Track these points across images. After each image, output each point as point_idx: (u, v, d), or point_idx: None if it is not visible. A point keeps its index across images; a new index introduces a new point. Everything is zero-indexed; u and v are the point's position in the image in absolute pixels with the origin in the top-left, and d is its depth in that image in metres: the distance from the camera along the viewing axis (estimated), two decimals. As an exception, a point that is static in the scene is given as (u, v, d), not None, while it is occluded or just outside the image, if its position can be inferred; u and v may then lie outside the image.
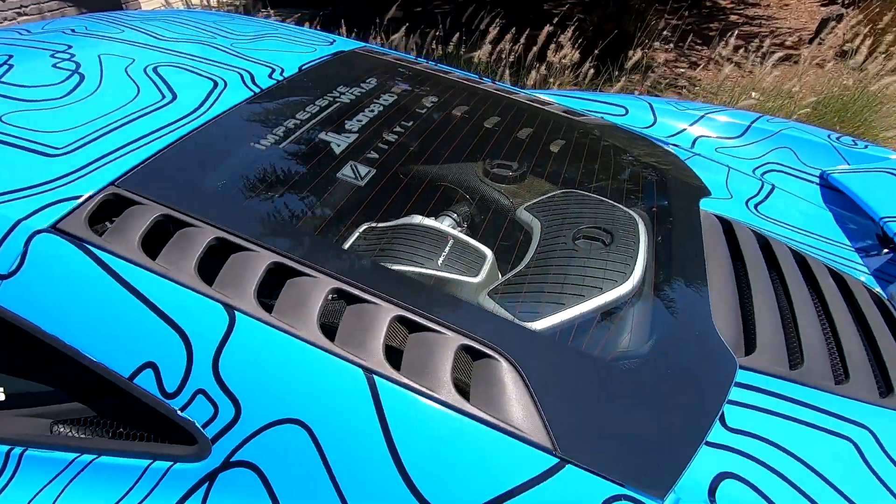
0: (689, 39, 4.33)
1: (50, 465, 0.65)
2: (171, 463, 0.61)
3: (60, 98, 0.92)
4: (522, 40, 2.84)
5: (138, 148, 0.83)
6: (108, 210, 0.74)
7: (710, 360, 0.72)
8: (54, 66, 1.03)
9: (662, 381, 0.68)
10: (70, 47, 1.12)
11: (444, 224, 1.03)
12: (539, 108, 1.33)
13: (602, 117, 1.43)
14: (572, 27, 2.91)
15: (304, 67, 1.18)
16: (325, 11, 4.97)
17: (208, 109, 0.95)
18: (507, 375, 0.62)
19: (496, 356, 0.63)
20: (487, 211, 1.10)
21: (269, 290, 0.67)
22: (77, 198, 0.73)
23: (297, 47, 1.29)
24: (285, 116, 0.98)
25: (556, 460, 0.56)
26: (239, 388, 0.60)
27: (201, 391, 0.60)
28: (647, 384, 0.67)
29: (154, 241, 0.70)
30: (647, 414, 0.63)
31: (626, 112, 1.51)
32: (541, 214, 1.04)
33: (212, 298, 0.64)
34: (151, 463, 0.62)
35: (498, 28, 2.93)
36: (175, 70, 1.06)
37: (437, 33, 3.11)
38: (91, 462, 0.63)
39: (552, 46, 2.77)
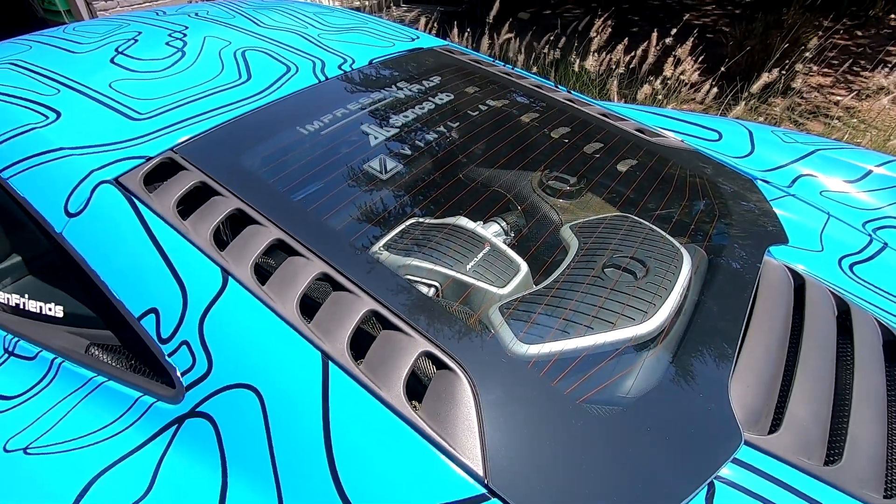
0: (850, 62, 3.72)
1: (76, 378, 0.76)
2: (155, 400, 0.68)
3: (160, 71, 1.07)
4: (647, 52, 2.66)
5: (203, 120, 0.93)
6: (164, 171, 0.84)
7: (707, 428, 0.63)
8: (167, 43, 1.19)
9: (638, 439, 0.60)
10: (186, 28, 1.28)
11: (490, 230, 1.02)
12: (612, 124, 1.24)
13: (686, 140, 1.30)
14: (693, 39, 2.65)
15: (374, 61, 1.23)
16: (454, 9, 5.10)
17: (272, 92, 1.03)
18: (461, 392, 0.60)
19: (457, 370, 0.62)
20: (535, 223, 1.06)
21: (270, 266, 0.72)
22: (142, 157, 0.85)
23: (377, 41, 1.35)
24: (335, 105, 1.04)
25: (482, 490, 0.53)
26: (215, 347, 0.65)
27: (186, 343, 0.67)
28: (619, 437, 0.60)
29: (194, 203, 0.78)
30: (605, 469, 0.57)
31: (720, 137, 1.36)
32: (581, 235, 0.98)
33: (215, 262, 0.70)
34: (141, 396, 0.70)
35: (612, 36, 2.78)
36: (258, 54, 1.16)
37: (551, 38, 3.04)
38: (101, 384, 0.74)
39: (669, 60, 2.56)
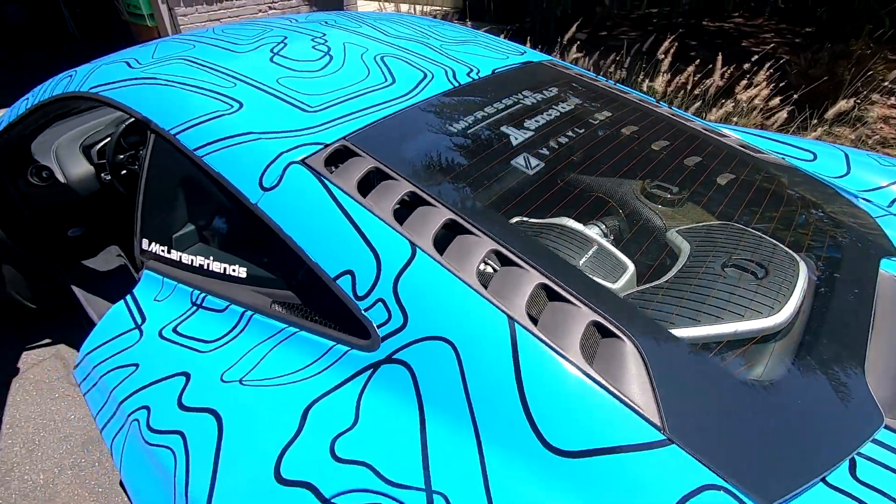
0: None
1: (266, 328, 0.88)
2: (349, 348, 0.79)
3: (316, 71, 1.21)
4: (719, 76, 2.72)
5: (363, 115, 1.06)
6: (339, 156, 0.96)
7: (851, 408, 0.70)
8: (313, 47, 1.34)
9: (790, 409, 0.68)
10: (324, 35, 1.43)
11: (592, 232, 1.11)
12: (713, 138, 1.32)
13: (784, 159, 1.36)
14: (772, 67, 2.70)
15: (496, 70, 1.34)
16: (514, 27, 5.26)
17: (417, 94, 1.15)
18: (630, 356, 0.69)
19: (623, 337, 0.70)
20: (637, 227, 1.14)
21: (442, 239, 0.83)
22: (319, 144, 0.97)
23: (492, 53, 1.47)
24: (474, 108, 1.15)
25: (662, 437, 0.62)
26: (409, 305, 0.75)
27: (381, 300, 0.77)
28: (772, 407, 0.68)
29: (366, 184, 0.90)
30: (766, 430, 0.65)
31: (815, 158, 1.42)
32: (692, 238, 1.06)
33: (400, 234, 0.81)
34: (335, 345, 0.81)
35: (679, 60, 2.84)
36: (396, 60, 1.29)
37: (618, 57, 3.13)
38: (294, 333, 0.85)
39: (742, 83, 2.61)
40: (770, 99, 2.76)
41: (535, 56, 1.55)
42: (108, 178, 1.96)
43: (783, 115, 2.65)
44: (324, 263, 0.83)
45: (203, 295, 0.98)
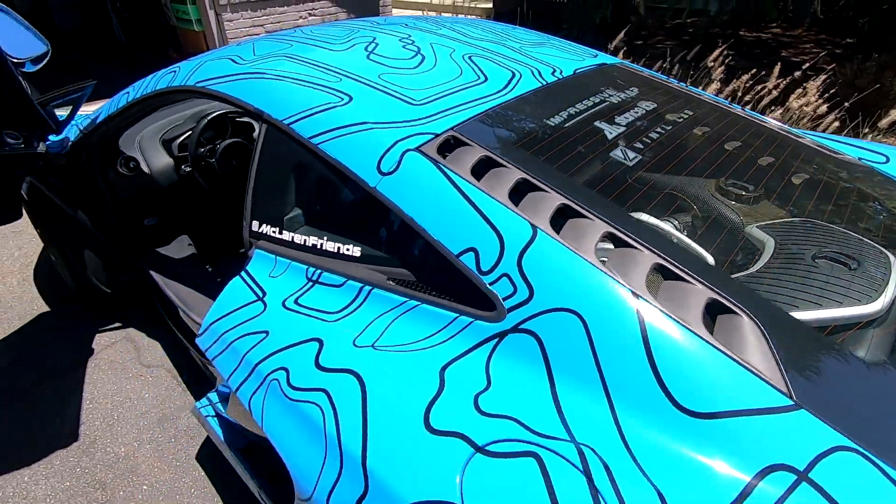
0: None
1: (386, 301, 0.95)
2: (472, 320, 0.85)
3: (413, 68, 1.28)
4: (771, 85, 2.74)
5: (465, 109, 1.13)
6: (448, 145, 1.03)
7: None
8: (403, 46, 1.42)
9: None
10: (410, 36, 1.51)
11: (666, 227, 1.16)
12: (791, 139, 1.36)
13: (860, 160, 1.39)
14: (825, 76, 2.72)
15: (577, 71, 1.41)
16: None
17: (511, 91, 1.22)
18: (749, 329, 0.73)
19: (741, 313, 0.75)
20: (712, 223, 1.18)
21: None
22: (430, 134, 1.04)
23: (569, 55, 1.54)
24: (566, 105, 1.22)
25: (790, 402, 0.66)
26: (535, 279, 0.81)
27: (506, 275, 0.84)
28: (890, 381, 0.72)
29: (476, 171, 0.97)
30: (888, 400, 0.69)
31: (887, 160, 1.44)
32: (776, 233, 1.10)
33: (520, 216, 0.87)
34: (458, 316, 0.87)
35: (726, 68, 2.88)
36: (483, 60, 1.37)
37: (664, 65, 3.17)
38: (415, 306, 0.92)
39: (796, 92, 2.63)
40: (818, 107, 2.77)
41: (608, 59, 1.61)
42: (189, 169, 2.07)
43: (835, 123, 2.65)
44: (446, 241, 0.90)
45: (318, 272, 1.05)
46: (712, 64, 2.83)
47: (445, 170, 0.96)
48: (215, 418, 1.48)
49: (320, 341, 0.91)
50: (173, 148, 2.08)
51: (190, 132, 2.11)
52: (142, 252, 2.05)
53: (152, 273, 1.94)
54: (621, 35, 3.07)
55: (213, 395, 1.54)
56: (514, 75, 1.30)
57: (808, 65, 2.70)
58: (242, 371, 0.95)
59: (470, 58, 1.37)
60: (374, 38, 1.48)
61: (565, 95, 1.27)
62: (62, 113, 1.89)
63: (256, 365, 0.93)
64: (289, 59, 1.33)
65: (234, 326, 1.02)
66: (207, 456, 1.76)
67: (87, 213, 2.03)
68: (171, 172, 2.09)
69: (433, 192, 0.94)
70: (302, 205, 1.15)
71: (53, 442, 1.81)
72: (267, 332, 0.97)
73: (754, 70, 2.77)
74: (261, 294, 1.06)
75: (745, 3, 4.90)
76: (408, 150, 1.00)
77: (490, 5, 8.50)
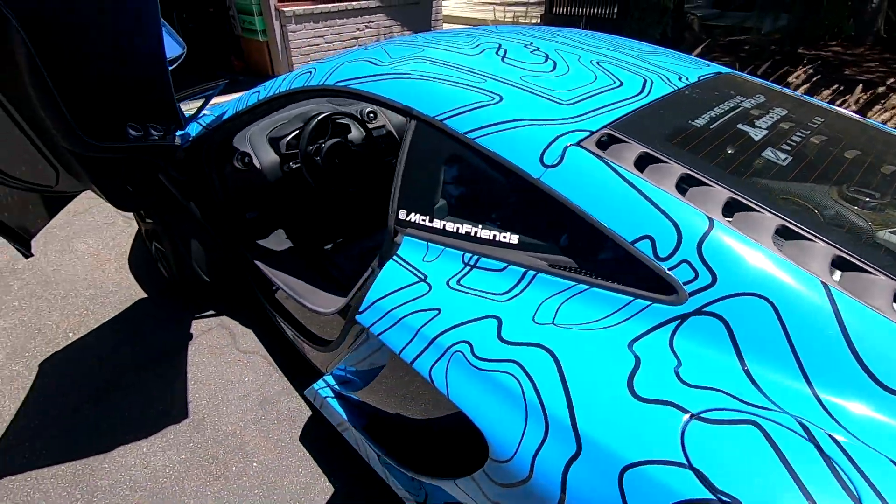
0: None
1: (552, 285, 1.01)
2: (649, 303, 0.90)
3: (549, 72, 1.36)
4: (852, 100, 2.74)
5: (611, 110, 1.19)
6: (604, 142, 1.09)
7: None
8: (531, 52, 1.49)
9: None
10: (532, 43, 1.59)
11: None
12: None
13: None
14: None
15: (701, 77, 1.46)
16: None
17: (648, 95, 1.28)
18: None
19: (876, 273, 0.78)
20: (838, 228, 1.21)
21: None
22: (586, 131, 1.11)
23: (684, 62, 1.59)
24: (704, 108, 1.27)
25: None
26: (717, 265, 0.86)
27: (685, 261, 0.88)
28: None
29: (636, 166, 1.02)
30: None
31: None
32: None
33: (694, 207, 0.92)
34: (633, 300, 0.92)
35: (811, 85, 2.87)
36: (611, 66, 1.43)
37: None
38: (584, 290, 0.97)
39: (875, 108, 2.62)
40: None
41: (718, 68, 1.65)
42: (295, 166, 2.19)
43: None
44: (619, 230, 0.95)
45: (475, 257, 1.12)
46: (794, 81, 2.84)
47: (610, 163, 1.02)
48: (334, 399, 1.56)
49: (497, 318, 0.97)
50: (280, 146, 2.21)
51: (297, 131, 2.24)
52: (244, 244, 2.17)
53: (258, 263, 2.05)
54: (700, 49, 3.10)
55: (329, 379, 1.62)
56: (645, 80, 1.36)
57: (892, 80, 2.68)
58: (418, 344, 1.02)
59: (597, 63, 1.44)
60: (500, 45, 1.56)
61: (701, 99, 1.32)
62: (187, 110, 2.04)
63: (435, 338, 1.00)
64: (428, 62, 1.42)
65: (402, 304, 1.09)
66: (311, 438, 1.84)
67: (198, 204, 2.17)
68: (276, 169, 2.22)
69: (601, 183, 1.00)
70: (453, 194, 1.22)
71: (165, 417, 1.92)
72: (439, 310, 1.03)
73: (836, 86, 2.76)
74: (422, 276, 1.13)
75: (811, 20, 4.86)
76: (570, 145, 1.07)
77: (538, 21, 8.62)
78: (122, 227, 3.18)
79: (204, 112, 2.16)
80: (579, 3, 7.88)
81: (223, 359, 2.20)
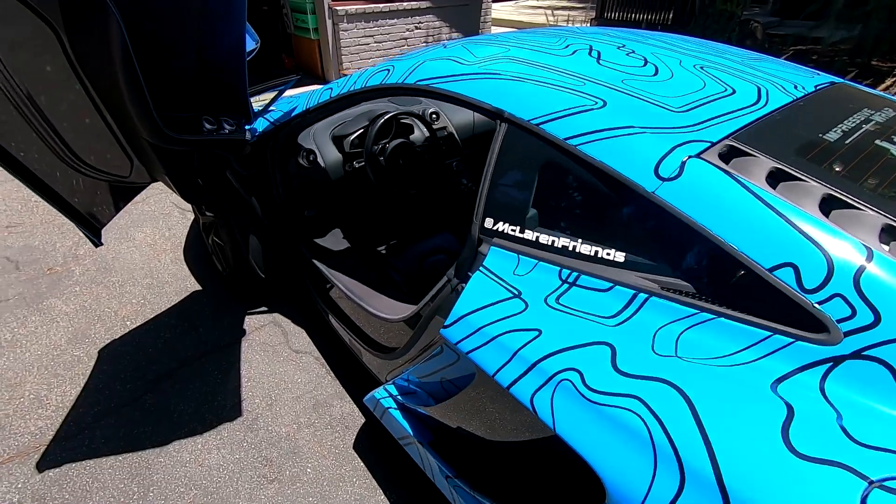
0: None
1: (667, 311, 0.91)
2: (792, 340, 0.79)
3: (650, 76, 1.25)
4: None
5: (728, 119, 1.08)
6: (727, 154, 0.99)
7: None
8: (627, 55, 1.40)
9: None
10: (624, 45, 1.49)
11: None
12: None
13: None
14: None
15: (817, 87, 1.32)
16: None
17: (766, 104, 1.16)
18: None
19: None
20: None
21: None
22: (706, 141, 1.00)
23: (792, 70, 1.46)
24: (833, 120, 1.14)
25: None
26: (881, 303, 0.75)
27: (839, 295, 0.77)
28: None
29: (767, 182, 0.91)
30: None
31: None
32: None
33: (845, 232, 0.81)
34: (771, 335, 0.81)
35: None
36: (717, 72, 1.32)
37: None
38: (708, 319, 0.87)
39: None
40: None
41: (832, 77, 1.51)
42: (358, 165, 2.15)
43: None
44: (752, 254, 0.85)
45: (574, 274, 1.03)
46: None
47: (738, 178, 0.91)
48: (398, 411, 1.50)
49: (609, 345, 0.88)
50: (344, 144, 2.17)
51: (361, 130, 2.20)
52: (303, 241, 2.13)
53: (317, 263, 2.01)
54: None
55: (391, 388, 1.56)
56: (759, 88, 1.24)
57: None
58: (516, 367, 0.94)
59: (701, 68, 1.33)
60: (591, 46, 1.46)
61: (826, 110, 1.20)
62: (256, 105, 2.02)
63: (537, 363, 0.91)
64: (517, 62, 1.34)
65: (495, 321, 1.01)
66: (366, 447, 1.79)
67: (259, 200, 2.15)
68: (339, 167, 2.18)
69: (729, 200, 0.90)
70: (549, 204, 1.14)
71: (219, 415, 1.90)
72: (539, 331, 0.95)
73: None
74: (515, 291, 1.05)
75: (889, 31, 4.55)
76: (690, 157, 0.97)
77: (587, 25, 8.44)
78: (177, 218, 3.23)
79: (271, 108, 2.14)
80: (632, 8, 7.66)
81: (276, 357, 2.18)
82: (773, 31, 7.05)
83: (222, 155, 1.82)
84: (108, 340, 2.25)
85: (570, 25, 8.54)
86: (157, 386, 2.02)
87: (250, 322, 2.38)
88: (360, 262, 2.13)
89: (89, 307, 2.44)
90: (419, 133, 2.38)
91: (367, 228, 2.46)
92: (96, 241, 1.73)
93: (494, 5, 8.61)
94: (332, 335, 2.27)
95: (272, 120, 2.01)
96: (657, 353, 0.84)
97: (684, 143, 1.00)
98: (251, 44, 1.99)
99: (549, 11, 9.82)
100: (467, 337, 1.04)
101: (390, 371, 1.66)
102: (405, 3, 6.39)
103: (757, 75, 1.33)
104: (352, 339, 1.89)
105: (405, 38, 6.64)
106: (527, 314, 1.00)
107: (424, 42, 6.83)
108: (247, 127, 1.93)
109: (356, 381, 2.05)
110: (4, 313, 2.38)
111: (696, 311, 0.89)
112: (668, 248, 0.96)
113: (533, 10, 10.51)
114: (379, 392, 1.56)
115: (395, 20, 6.41)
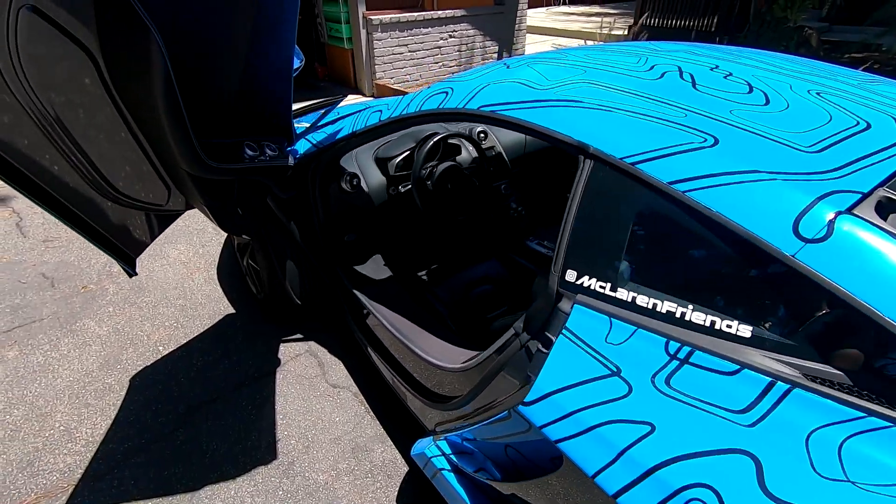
0: None
1: (818, 409, 0.72)
2: None
3: (762, 106, 1.07)
4: None
5: (875, 162, 0.89)
6: (882, 208, 0.80)
7: None
8: (724, 78, 1.21)
9: None
10: (717, 66, 1.30)
11: None
12: None
13: None
14: None
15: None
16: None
17: None
18: None
19: None
20: None
21: None
22: (854, 192, 0.82)
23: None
24: None
25: None
26: None
27: None
28: None
29: None
30: None
31: None
32: None
33: None
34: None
35: None
36: (837, 98, 1.12)
37: None
38: (882, 427, 0.69)
39: None
40: None
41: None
42: (404, 189, 2.01)
43: None
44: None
45: (686, 349, 0.85)
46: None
47: (904, 239, 0.73)
48: (453, 474, 1.34)
49: (752, 457, 0.71)
50: (389, 167, 2.04)
51: (407, 152, 2.06)
52: (343, 269, 2.00)
53: (358, 293, 1.87)
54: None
55: (443, 446, 1.41)
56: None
57: None
58: (624, 471, 0.77)
59: (818, 94, 1.14)
60: (679, 67, 1.29)
61: None
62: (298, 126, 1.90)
63: (652, 470, 0.75)
64: (599, 87, 1.18)
65: (591, 406, 0.85)
66: (410, 500, 1.63)
67: (297, 224, 2.04)
68: (382, 191, 2.05)
69: (884, 264, 0.71)
70: (648, 260, 0.97)
71: (253, 456, 1.78)
72: (652, 426, 0.78)
73: None
74: (613, 368, 0.88)
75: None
76: (839, 213, 0.79)
77: (624, 32, 8.19)
78: (211, 235, 3.16)
79: (313, 127, 2.03)
80: (674, 14, 7.37)
81: (312, 392, 2.05)
82: (825, 38, 6.70)
83: (263, 182, 1.70)
84: (141, 367, 2.16)
85: (611, 34, 8.30)
86: (189, 419, 1.91)
87: (285, 351, 2.27)
88: (403, 292, 1.99)
89: (122, 329, 2.37)
90: (466, 154, 2.23)
91: (409, 254, 2.32)
92: (130, 272, 1.63)
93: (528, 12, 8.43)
94: (370, 369, 2.13)
95: (315, 141, 1.89)
96: (820, 475, 0.67)
97: (829, 195, 0.82)
98: (296, 62, 1.88)
99: (583, 18, 9.60)
100: (556, 421, 0.88)
101: (439, 423, 1.51)
102: (439, 12, 6.28)
103: (886, 102, 1.13)
104: (394, 379, 1.75)
105: (439, 47, 6.53)
106: (632, 400, 0.83)
107: (458, 51, 6.70)
108: (288, 149, 1.82)
109: (398, 423, 1.90)
110: (38, 334, 2.33)
111: (863, 415, 0.70)
112: (814, 326, 0.78)
113: (566, 17, 10.31)
114: (430, 449, 1.40)
115: (429, 29, 6.31)
